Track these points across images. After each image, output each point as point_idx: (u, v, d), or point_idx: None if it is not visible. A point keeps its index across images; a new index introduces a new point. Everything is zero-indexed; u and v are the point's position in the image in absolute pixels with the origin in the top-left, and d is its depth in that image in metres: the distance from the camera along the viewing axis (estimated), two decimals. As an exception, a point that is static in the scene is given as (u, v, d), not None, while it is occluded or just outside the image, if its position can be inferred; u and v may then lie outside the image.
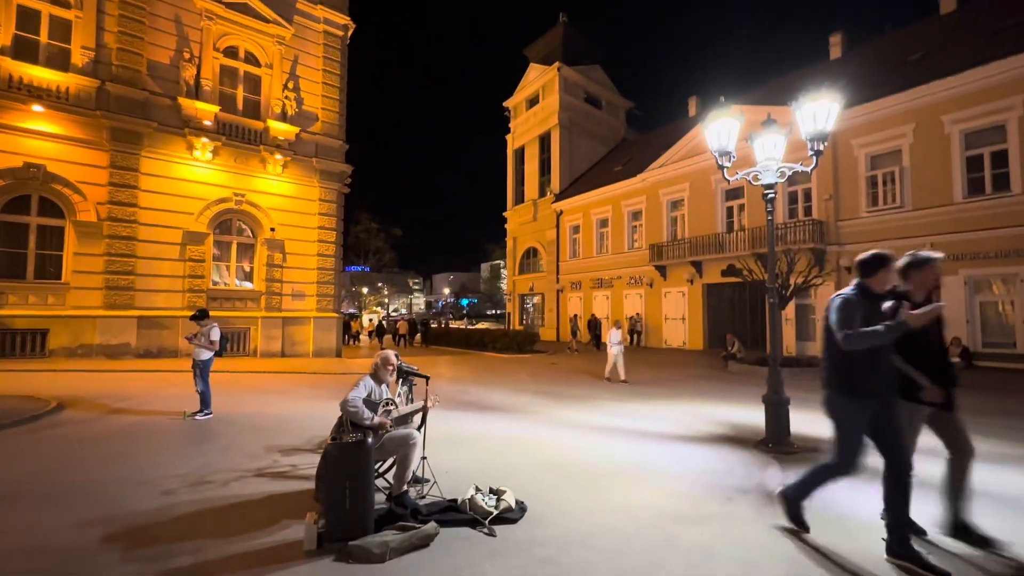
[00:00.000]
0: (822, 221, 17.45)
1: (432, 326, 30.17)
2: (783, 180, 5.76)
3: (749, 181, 5.97)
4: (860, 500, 4.01)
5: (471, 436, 6.30)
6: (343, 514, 3.13)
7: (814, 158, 5.43)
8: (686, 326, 22.45)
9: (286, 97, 17.18)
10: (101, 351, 13.60)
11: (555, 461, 5.21)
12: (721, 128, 5.78)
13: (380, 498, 3.86)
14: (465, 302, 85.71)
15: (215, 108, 15.65)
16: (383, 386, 4.01)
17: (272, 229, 16.75)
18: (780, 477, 4.78)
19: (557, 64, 30.70)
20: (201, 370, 7.29)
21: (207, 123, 15.47)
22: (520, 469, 4.90)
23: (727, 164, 5.81)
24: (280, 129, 16.92)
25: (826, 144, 5.39)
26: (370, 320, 31.65)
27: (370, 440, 3.30)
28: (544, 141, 32.32)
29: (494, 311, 73.15)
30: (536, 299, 32.77)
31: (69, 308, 13.51)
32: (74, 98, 13.64)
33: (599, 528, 3.49)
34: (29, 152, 13.03)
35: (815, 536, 3.40)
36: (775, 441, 5.61)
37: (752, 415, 7.75)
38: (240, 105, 16.61)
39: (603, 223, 27.47)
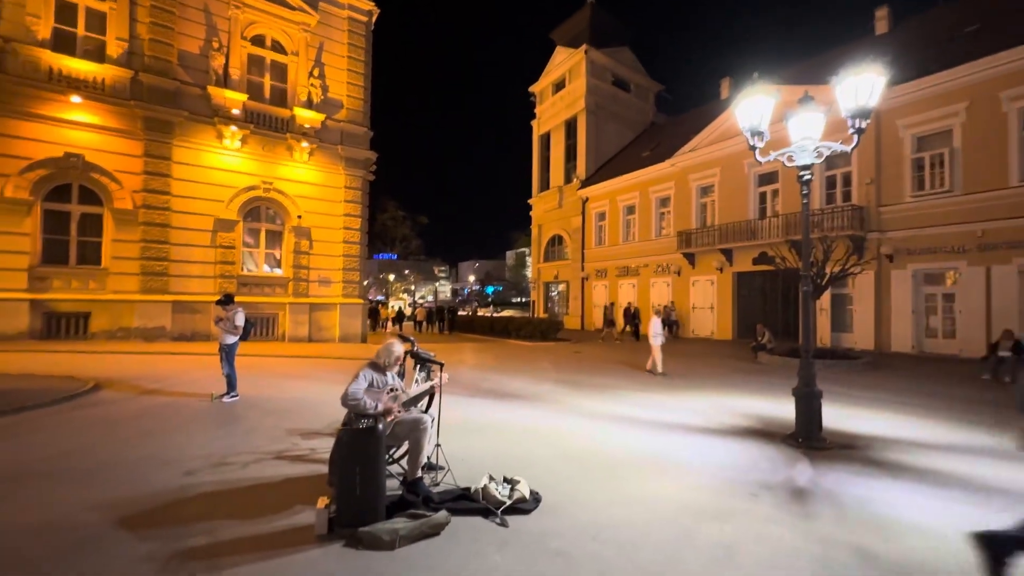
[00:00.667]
0: (862, 207, 16.61)
1: (460, 314, 30.23)
2: (820, 160, 5.42)
3: (783, 163, 5.64)
4: (902, 501, 3.77)
5: (489, 424, 6.24)
6: (354, 500, 3.11)
7: (855, 136, 5.08)
8: (715, 315, 21.90)
9: (312, 84, 17.31)
10: (139, 334, 14.16)
11: (573, 451, 5.11)
12: (754, 106, 5.47)
13: (394, 484, 3.85)
14: (490, 290, 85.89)
15: (243, 97, 15.89)
16: (388, 374, 3.97)
17: (299, 216, 17.03)
18: (809, 473, 4.56)
19: (584, 47, 30.00)
20: (227, 354, 7.45)
21: (235, 112, 15.74)
22: (537, 459, 4.81)
23: (759, 144, 5.50)
24: (306, 117, 17.08)
25: (868, 122, 5.03)
26: (392, 307, 31.98)
27: (380, 426, 3.26)
28: (570, 126, 31.76)
29: (519, 299, 73.13)
30: (561, 287, 32.52)
31: (109, 292, 14.08)
32: (110, 89, 14.06)
33: (615, 521, 3.38)
34: (69, 142, 13.53)
35: (847, 536, 3.21)
36: (805, 435, 5.37)
37: (781, 408, 7.46)
38: (267, 93, 16.83)
39: (630, 210, 26.92)
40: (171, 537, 3.07)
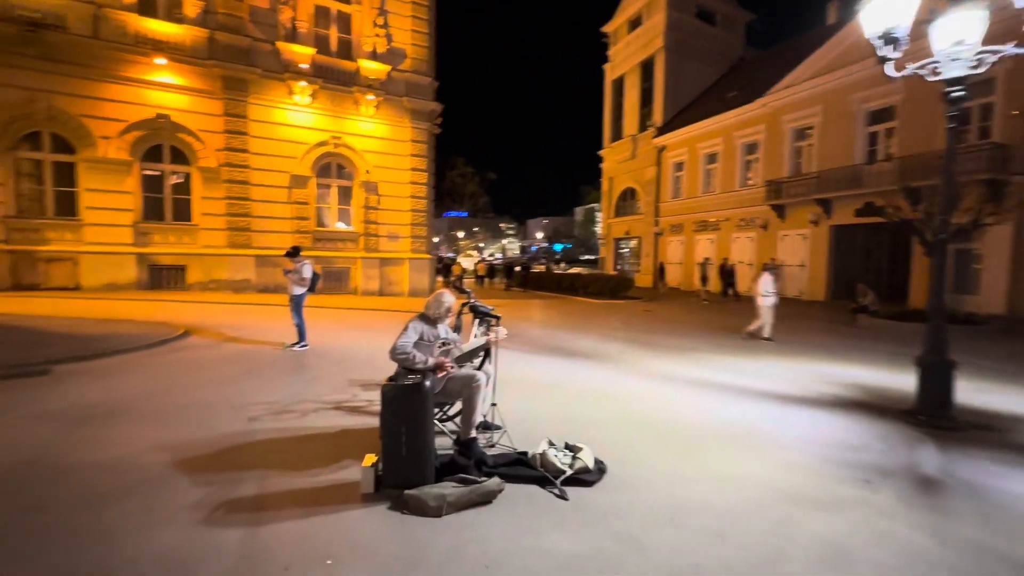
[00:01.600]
0: (1004, 145, 13.86)
1: (532, 271, 29.34)
2: (980, 71, 4.23)
3: (924, 77, 4.49)
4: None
5: (552, 383, 5.89)
6: (400, 461, 2.89)
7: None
8: (805, 274, 19.86)
9: (376, 34, 16.97)
10: (228, 286, 15.22)
11: (644, 417, 4.63)
12: (889, 4, 4.32)
13: (447, 442, 3.63)
14: (559, 247, 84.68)
15: (311, 50, 15.92)
16: (440, 326, 3.66)
17: (367, 171, 17.19)
18: (938, 459, 3.78)
19: (664, -25, 27.05)
20: (296, 304, 7.63)
21: (304, 66, 15.84)
22: (603, 424, 4.40)
23: (893, 55, 4.38)
24: (371, 68, 16.88)
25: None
26: (462, 263, 32.22)
27: (428, 383, 2.97)
28: (647, 68, 29.27)
29: (587, 256, 71.57)
30: (632, 243, 31.11)
31: (200, 247, 15.15)
32: (190, 49, 14.57)
33: (693, 502, 2.91)
34: (158, 104, 14.31)
35: (995, 542, 2.53)
36: (931, 412, 4.49)
37: (891, 378, 6.46)
38: (333, 46, 16.75)
39: (711, 158, 24.70)
40: (223, 484, 3.04)
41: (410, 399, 2.90)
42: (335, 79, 16.49)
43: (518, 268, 27.95)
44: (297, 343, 7.61)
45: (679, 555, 2.37)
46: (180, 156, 15.00)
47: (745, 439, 4.08)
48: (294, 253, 7.62)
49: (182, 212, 15.17)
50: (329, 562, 2.26)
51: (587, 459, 3.26)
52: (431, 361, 3.41)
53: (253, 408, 4.62)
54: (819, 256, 19.39)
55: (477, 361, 4.02)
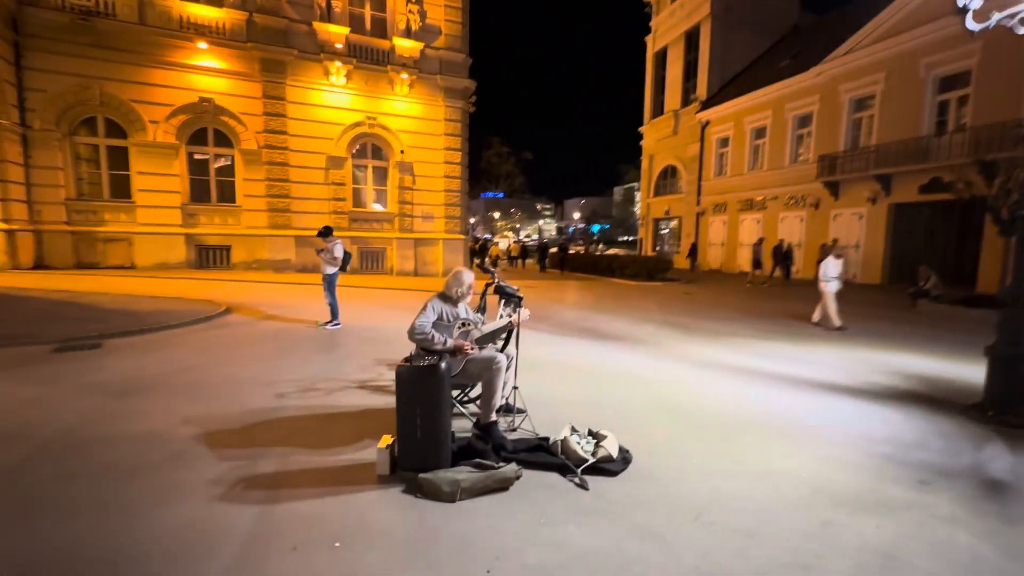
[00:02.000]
0: (1101, 111, 12.37)
1: (570, 252, 28.57)
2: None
3: (1011, 30, 3.93)
4: None
5: (581, 367, 5.72)
6: (415, 444, 2.82)
7: None
8: (859, 255, 18.63)
9: (409, 11, 16.78)
10: (269, 265, 15.72)
11: (676, 404, 4.41)
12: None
13: (468, 425, 3.55)
14: (596, 228, 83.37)
15: (345, 30, 15.93)
16: (461, 305, 3.55)
17: (401, 151, 17.22)
18: (1008, 460, 3.41)
19: (713, -64, 25.39)
20: (328, 283, 7.73)
21: (339, 46, 15.89)
22: (631, 410, 4.22)
23: (976, 3, 3.85)
24: (405, 47, 16.75)
25: None
26: (498, 244, 32.15)
27: (443, 365, 2.87)
28: (691, 38, 27.80)
29: (626, 237, 70.08)
30: (672, 223, 30.11)
31: (243, 228, 15.68)
32: (230, 32, 14.86)
33: (725, 498, 2.71)
34: (201, 88, 14.75)
35: (1086, 565, 2.22)
36: (1002, 408, 4.06)
37: (955, 369, 5.94)
38: (368, 25, 16.69)
39: (759, 133, 23.36)
40: (245, 459, 3.07)
41: (425, 381, 2.81)
42: (369, 58, 16.48)
43: (554, 249, 27.56)
44: (330, 322, 7.73)
45: (705, 556, 2.19)
46: (223, 139, 15.45)
47: (787, 432, 3.81)
48: (326, 233, 7.69)
49: (226, 194, 15.70)
50: (337, 544, 2.21)
51: (611, 447, 3.10)
52: (450, 342, 3.31)
53: (282, 385, 4.69)
54: (876, 236, 18.13)
55: (502, 343, 3.90)
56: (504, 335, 3.89)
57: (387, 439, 2.96)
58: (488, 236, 61.09)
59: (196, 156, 15.27)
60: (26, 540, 2.22)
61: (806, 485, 2.90)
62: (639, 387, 4.93)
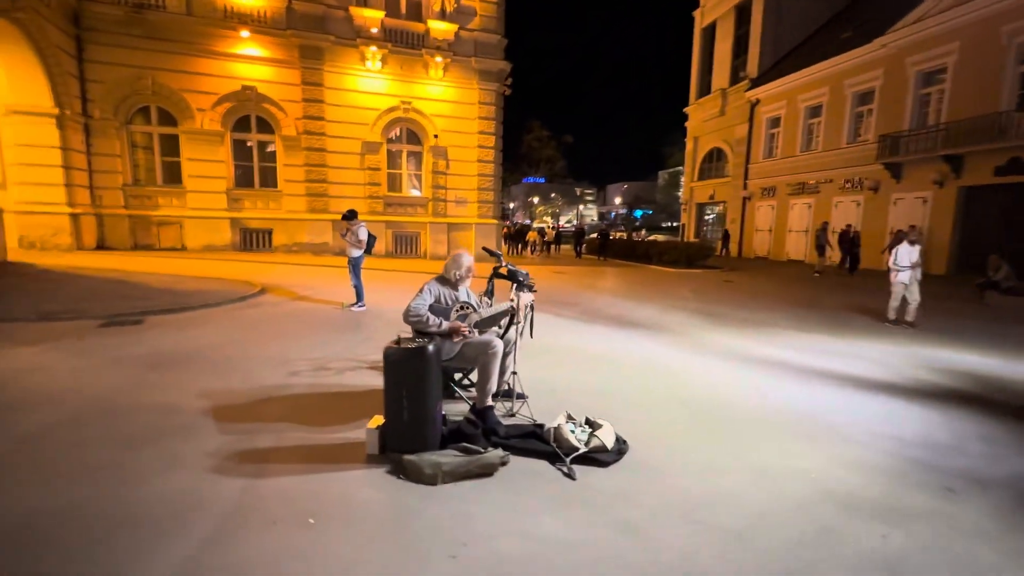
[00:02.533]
0: None
1: (611, 238, 27.51)
2: None
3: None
4: None
5: (600, 354, 5.59)
6: (401, 426, 2.82)
7: None
8: (922, 242, 17.24)
9: (445, -8, 16.68)
10: (308, 248, 16.27)
11: (690, 396, 4.23)
12: None
13: (463, 408, 3.54)
14: (639, 213, 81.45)
15: (381, 14, 16.02)
16: (461, 288, 3.51)
17: (435, 136, 17.27)
18: (1059, 471, 3.06)
19: (769, -101, 23.72)
20: (353, 266, 7.89)
21: (374, 31, 16.01)
22: (643, 400, 4.08)
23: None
24: (440, 29, 16.69)
25: None
26: (531, 229, 31.80)
27: (431, 347, 2.84)
28: (742, 12, 26.26)
29: (669, 223, 68.07)
30: (717, 208, 28.94)
31: (284, 212, 16.26)
32: (270, 20, 15.25)
33: (721, 496, 2.57)
34: (244, 76, 15.27)
35: None
36: (1058, 413, 3.65)
37: (1015, 368, 5.42)
38: (403, 8, 16.72)
39: (814, 112, 21.91)
40: (246, 433, 3.18)
41: (412, 363, 2.80)
42: (404, 42, 16.55)
43: (594, 235, 27.01)
44: (355, 304, 7.91)
45: (685, 556, 2.08)
46: (265, 126, 15.99)
47: (806, 429, 3.57)
48: (351, 216, 7.83)
49: (268, 179, 16.29)
50: (311, 521, 2.25)
51: (605, 437, 2.99)
52: (445, 325, 3.29)
53: (297, 363, 4.83)
54: (942, 222, 16.74)
55: (508, 325, 3.84)
56: (506, 319, 3.82)
57: (378, 420, 2.99)
58: (527, 221, 60.92)
59: (242, 143, 15.87)
60: (32, 500, 2.38)
61: (814, 487, 2.70)
62: (654, 377, 4.77)
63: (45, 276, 9.57)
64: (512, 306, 3.62)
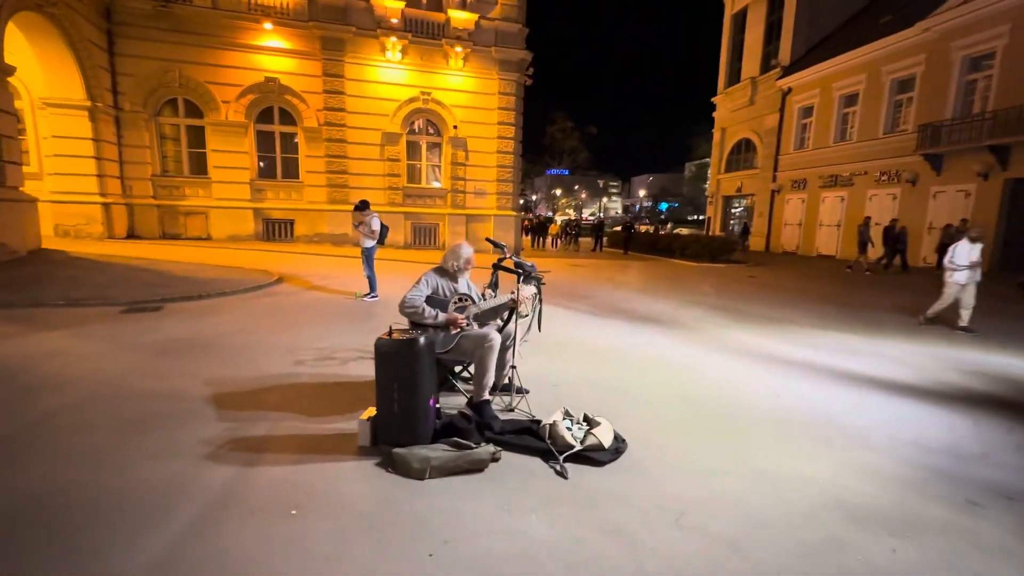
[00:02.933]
0: None
1: (635, 231, 26.56)
2: None
3: None
4: None
5: (607, 348, 5.48)
6: (392, 418, 2.79)
7: None
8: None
9: (465, -20, 16.54)
10: (328, 239, 16.49)
11: (696, 394, 4.09)
12: None
13: (462, 402, 3.50)
14: (664, 206, 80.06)
15: (401, 4, 16.00)
16: (461, 280, 3.46)
17: (455, 127, 17.22)
18: (1098, 485, 2.83)
19: None
20: (366, 257, 7.93)
21: (395, 21, 16.00)
22: (645, 397, 3.96)
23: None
24: (460, 19, 16.57)
25: None
26: (557, 223, 31.60)
27: (422, 339, 2.79)
28: (775, -4, 25.30)
29: (695, 216, 66.68)
30: (744, 201, 28.14)
31: (306, 203, 16.51)
32: (293, 12, 15.40)
33: (717, 501, 2.45)
34: (266, 68, 15.50)
35: None
36: (1101, 423, 3.37)
37: (1058, 373, 5.06)
38: (424, -3, 16.69)
39: (849, 100, 21.00)
40: (243, 421, 3.19)
41: (404, 355, 2.76)
42: (424, 32, 16.50)
43: (617, 228, 26.59)
44: (368, 294, 7.95)
45: (672, 564, 1.98)
46: (287, 117, 16.21)
47: (818, 432, 3.40)
48: (363, 207, 7.85)
49: (290, 170, 16.55)
50: (294, 512, 2.23)
51: (602, 436, 2.90)
52: (441, 317, 3.24)
53: (304, 352, 4.87)
54: (986, 217, 15.84)
55: (512, 318, 3.77)
56: (506, 313, 3.74)
57: (372, 411, 2.96)
58: (549, 214, 60.49)
59: (265, 134, 16.13)
60: (24, 483, 2.42)
61: (820, 494, 2.56)
62: (662, 373, 4.63)
63: (76, 263, 9.92)
64: (513, 298, 3.53)
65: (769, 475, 2.74)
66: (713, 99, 29.91)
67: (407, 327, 3.25)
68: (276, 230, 16.45)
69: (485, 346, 3.18)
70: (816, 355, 5.49)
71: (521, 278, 3.96)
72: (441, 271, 3.47)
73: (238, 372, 4.21)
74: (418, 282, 3.34)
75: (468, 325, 3.33)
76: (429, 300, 3.32)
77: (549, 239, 25.98)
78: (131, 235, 15.03)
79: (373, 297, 7.90)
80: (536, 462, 2.79)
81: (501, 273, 4.27)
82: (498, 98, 17.54)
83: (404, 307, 3.22)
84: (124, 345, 4.96)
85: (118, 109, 14.49)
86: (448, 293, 3.43)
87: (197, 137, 15.63)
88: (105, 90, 14.06)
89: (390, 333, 2.89)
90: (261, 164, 16.29)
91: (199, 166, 15.74)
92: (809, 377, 4.67)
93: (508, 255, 4.20)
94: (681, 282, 11.91)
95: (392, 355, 2.77)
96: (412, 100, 16.84)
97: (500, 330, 3.56)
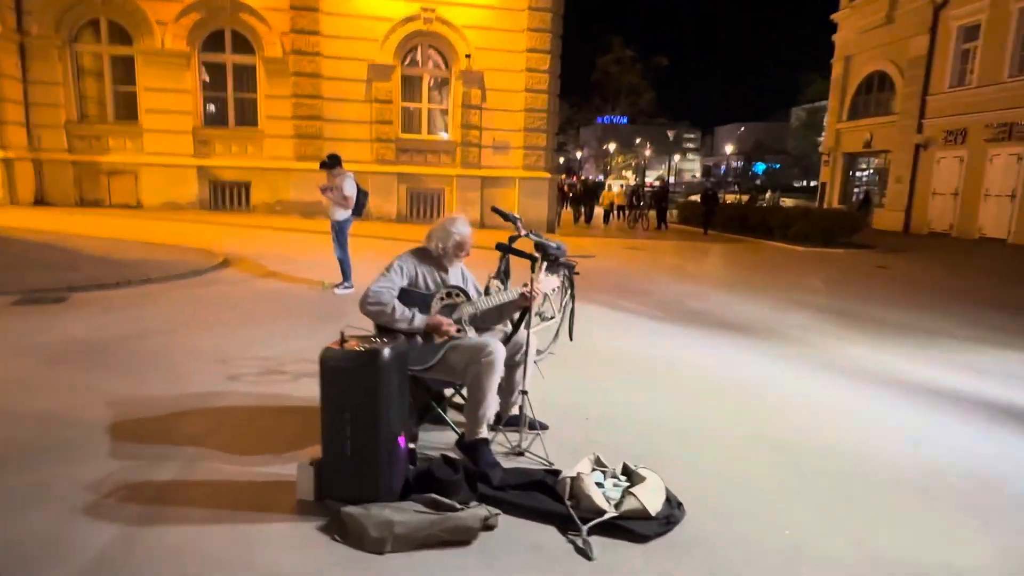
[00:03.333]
0: None
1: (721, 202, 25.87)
2: None
3: None
4: None
5: (668, 368, 5.39)
6: (342, 462, 2.68)
7: None
8: None
9: None
10: (295, 208, 16.68)
11: (792, 439, 3.91)
12: None
13: (452, 438, 3.44)
14: (761, 167, 78.67)
15: None
16: (453, 267, 3.36)
17: (468, 56, 17.12)
18: None
19: None
20: (338, 233, 7.93)
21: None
22: (717, 440, 3.83)
23: None
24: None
25: None
26: (611, 189, 31.36)
27: (386, 352, 2.66)
28: None
29: (804, 182, 65.20)
30: (875, 161, 27.36)
31: (266, 159, 16.82)
32: (251, -101, 15.55)
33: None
34: (215, -23, 15.72)
35: None
36: None
37: None
38: None
39: (1034, 15, 20.05)
40: (144, 459, 3.17)
41: (358, 373, 2.64)
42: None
43: (695, 198, 26.26)
44: (340, 284, 7.95)
45: None
46: (243, 44, 16.51)
47: (976, 501, 3.17)
48: (332, 163, 7.84)
49: (247, 115, 16.89)
50: (193, 599, 2.13)
51: (647, 498, 2.72)
52: (419, 319, 3.12)
53: (242, 363, 4.90)
54: None
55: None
56: (517, 314, 3.60)
57: (318, 451, 2.86)
58: (599, 178, 59.97)
59: (210, 66, 16.40)
60: None
61: (976, 598, 2.31)
62: (742, 405, 4.49)
63: (-40, 239, 10.30)
64: (525, 293, 3.37)
65: (895, 566, 2.52)
66: (833, 16, 29.34)
67: (372, 332, 3.14)
68: (227, 196, 16.75)
69: (482, 361, 3.05)
70: (979, 384, 5.29)
71: (539, 264, 3.79)
72: (423, 254, 3.36)
73: (151, 389, 4.24)
74: (388, 268, 3.24)
75: (460, 331, 3.21)
76: (403, 295, 3.20)
77: (601, 211, 25.75)
78: (40, 200, 15.58)
79: (347, 288, 7.90)
80: (549, 532, 2.64)
81: (514, 258, 4.12)
82: (528, 15, 17.35)
83: (366, 303, 3.13)
84: (8, 348, 5.08)
85: (22, 33, 14.94)
86: (432, 285, 3.31)
87: (125, 71, 16.04)
88: (6, 8, 14.48)
89: (343, 341, 2.76)
90: (209, 107, 16.59)
91: (127, 110, 16.18)
92: (966, 417, 4.47)
93: (522, 231, 4.04)
94: (781, 275, 11.80)
95: (343, 373, 2.65)
96: (410, 20, 16.82)
97: (507, 339, 3.42)
